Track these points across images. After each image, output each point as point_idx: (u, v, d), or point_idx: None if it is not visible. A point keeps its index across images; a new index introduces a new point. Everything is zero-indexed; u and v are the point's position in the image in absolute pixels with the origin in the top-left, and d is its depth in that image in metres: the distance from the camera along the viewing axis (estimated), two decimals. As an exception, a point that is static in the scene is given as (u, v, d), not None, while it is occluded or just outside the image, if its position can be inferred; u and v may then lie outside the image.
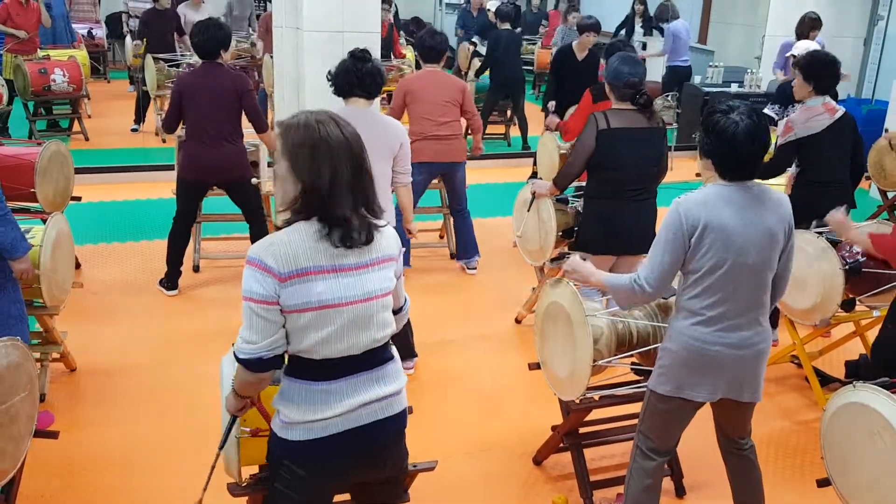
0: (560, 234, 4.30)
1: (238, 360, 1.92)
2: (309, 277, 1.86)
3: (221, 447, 2.22)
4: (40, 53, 8.27)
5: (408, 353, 4.06)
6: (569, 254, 4.11)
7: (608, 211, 3.76)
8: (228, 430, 2.19)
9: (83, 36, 10.53)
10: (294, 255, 1.86)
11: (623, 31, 11.34)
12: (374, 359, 2.01)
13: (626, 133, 3.65)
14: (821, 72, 4.18)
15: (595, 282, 2.72)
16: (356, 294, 1.93)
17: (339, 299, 1.90)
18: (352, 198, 1.90)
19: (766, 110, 5.97)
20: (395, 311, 2.14)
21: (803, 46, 5.54)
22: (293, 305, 1.87)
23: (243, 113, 4.72)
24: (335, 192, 1.87)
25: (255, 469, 2.38)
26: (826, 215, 3.90)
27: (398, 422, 2.08)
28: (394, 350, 2.12)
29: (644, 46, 10.93)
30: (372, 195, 1.96)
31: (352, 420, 1.97)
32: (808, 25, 6.82)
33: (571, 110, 6.38)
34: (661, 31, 10.64)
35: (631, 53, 3.85)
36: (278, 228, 1.99)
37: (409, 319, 4.01)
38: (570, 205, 4.43)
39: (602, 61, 5.19)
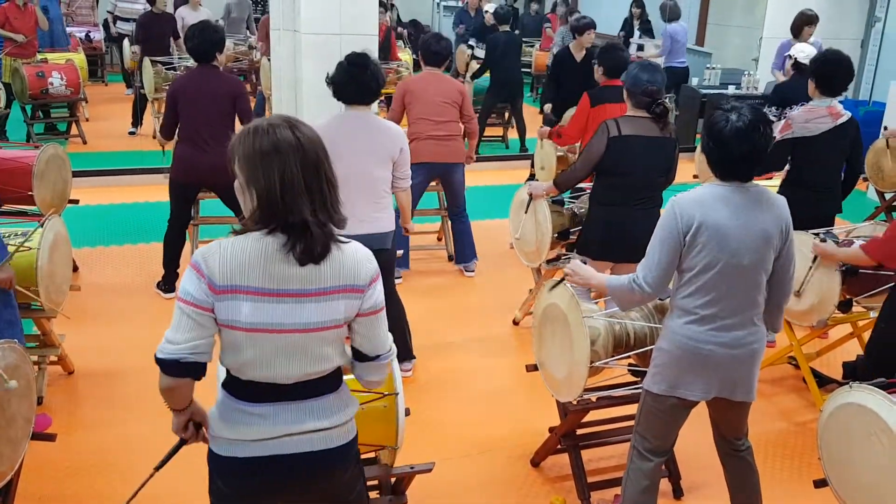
0: (556, 235, 4.31)
1: (156, 360, 1.81)
2: (238, 296, 1.75)
3: (157, 468, 2.09)
4: (38, 57, 8.27)
5: (406, 355, 4.06)
6: (566, 256, 4.11)
7: (614, 217, 3.74)
8: (172, 452, 2.06)
9: (81, 39, 10.53)
10: (231, 269, 1.75)
11: (622, 34, 11.37)
12: (306, 391, 1.87)
13: (638, 140, 3.63)
14: (828, 73, 4.11)
15: (596, 284, 2.73)
16: (289, 323, 1.78)
17: (268, 325, 1.77)
18: (308, 201, 1.75)
19: (763, 111, 5.95)
20: (368, 357, 1.94)
21: (800, 48, 5.53)
22: (223, 320, 1.78)
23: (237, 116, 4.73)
24: (288, 197, 1.73)
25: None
26: (811, 219, 3.91)
27: (333, 455, 1.92)
28: (341, 382, 1.96)
29: (641, 48, 10.94)
30: (332, 200, 1.79)
31: (273, 447, 1.86)
32: (803, 21, 6.78)
33: (569, 113, 6.41)
34: (651, 34, 10.67)
35: (651, 62, 3.82)
36: None
37: (407, 321, 4.03)
38: (565, 206, 4.44)
39: (594, 62, 5.18)
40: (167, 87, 8.20)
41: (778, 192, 4.15)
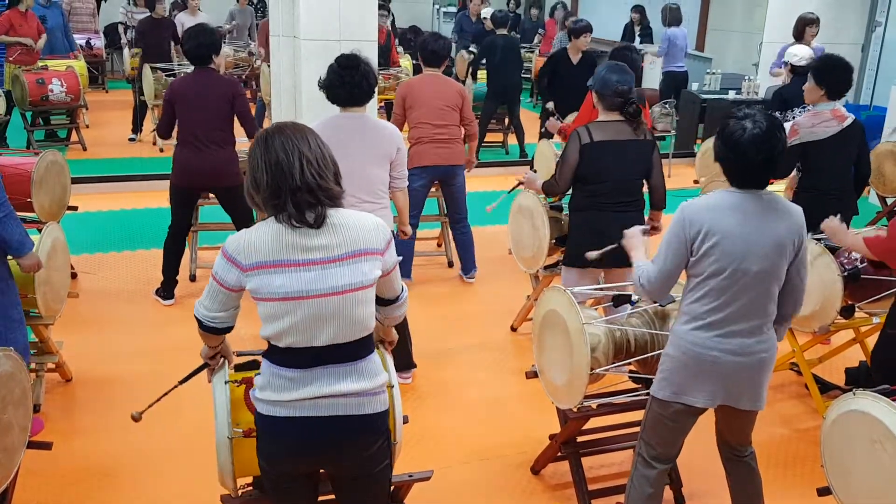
0: (554, 241, 4.29)
1: (195, 315, 2.14)
2: (268, 270, 1.97)
3: (181, 382, 2.46)
4: (39, 63, 8.28)
5: (406, 364, 4.04)
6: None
7: (594, 224, 3.69)
8: (197, 371, 2.42)
9: (81, 46, 10.54)
10: (257, 248, 1.97)
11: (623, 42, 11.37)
12: (341, 353, 2.04)
13: (611, 145, 3.61)
14: (832, 76, 4.11)
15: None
16: (319, 288, 1.97)
17: (300, 292, 1.96)
18: (300, 168, 1.96)
19: None
20: (390, 301, 2.25)
21: (794, 51, 5.52)
22: (258, 294, 1.99)
23: (235, 119, 4.72)
24: (285, 169, 1.96)
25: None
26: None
27: (363, 422, 2.08)
28: (372, 351, 2.14)
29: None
30: (325, 172, 2.00)
31: (307, 408, 2.04)
32: (804, 23, 6.77)
33: (571, 117, 6.40)
34: (651, 40, 10.68)
35: (619, 63, 3.80)
36: None
37: (409, 331, 4.00)
38: (564, 212, 4.42)
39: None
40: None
41: (793, 200, 4.18)
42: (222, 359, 2.37)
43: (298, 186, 1.95)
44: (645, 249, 2.77)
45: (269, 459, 2.11)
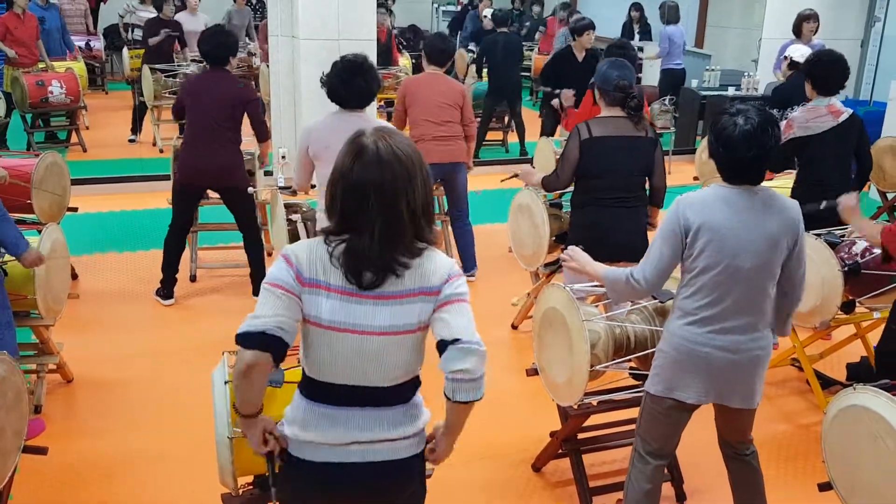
0: (554, 238, 4.29)
1: (238, 337, 1.76)
2: (320, 291, 1.79)
3: (273, 484, 2.04)
4: (39, 65, 8.28)
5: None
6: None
7: (592, 219, 3.71)
8: (271, 472, 2.02)
9: (80, 48, 10.54)
10: (317, 265, 1.80)
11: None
12: (380, 398, 1.88)
13: (611, 141, 3.61)
14: (822, 73, 4.13)
15: (591, 271, 2.71)
16: (366, 324, 1.80)
17: (345, 325, 1.80)
18: (372, 229, 1.76)
19: None
20: (444, 346, 1.84)
21: (795, 48, 5.52)
22: (307, 314, 1.81)
23: (244, 121, 4.74)
24: (353, 220, 1.78)
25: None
26: (827, 218, 3.89)
27: (398, 467, 1.92)
28: (415, 394, 1.97)
29: (640, 50, 10.94)
30: (408, 232, 1.79)
31: (341, 454, 1.87)
32: (801, 18, 6.82)
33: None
34: (650, 37, 10.68)
35: (620, 59, 3.80)
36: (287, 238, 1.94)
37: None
38: (564, 210, 4.42)
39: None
40: (167, 94, 8.28)
41: (791, 194, 4.18)
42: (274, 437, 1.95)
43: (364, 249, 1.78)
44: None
45: (294, 499, 1.98)
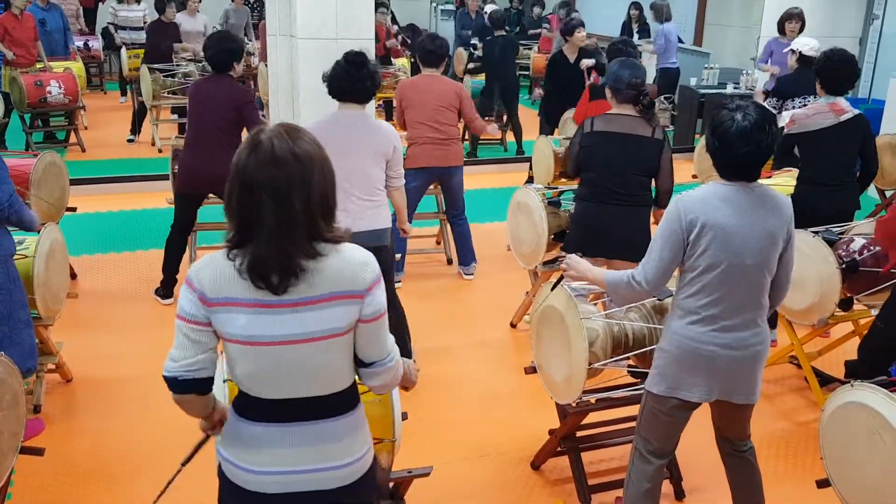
0: (552, 237, 4.29)
1: (163, 376, 1.78)
2: (231, 308, 1.71)
3: (183, 464, 2.09)
4: (37, 66, 8.29)
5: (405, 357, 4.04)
6: (562, 257, 4.09)
7: (589, 213, 3.75)
8: (197, 448, 2.06)
9: (79, 48, 10.53)
10: (223, 282, 1.71)
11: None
12: (315, 411, 1.79)
13: (612, 137, 3.63)
14: (832, 72, 4.11)
15: (592, 278, 2.69)
16: (288, 334, 1.71)
17: (262, 338, 1.71)
18: (272, 232, 1.67)
19: (764, 104, 5.96)
20: (366, 364, 1.83)
21: (804, 41, 5.51)
22: (223, 333, 1.74)
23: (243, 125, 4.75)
24: (255, 229, 1.68)
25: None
26: (823, 215, 3.89)
27: (347, 492, 1.83)
28: (356, 405, 1.87)
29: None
30: (313, 230, 1.70)
31: (276, 484, 1.78)
32: (783, 17, 6.92)
33: (568, 114, 6.41)
34: (648, 36, 10.70)
35: (630, 58, 3.83)
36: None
37: (407, 326, 4.01)
38: (562, 208, 4.43)
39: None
40: (165, 94, 8.29)
41: (794, 191, 4.18)
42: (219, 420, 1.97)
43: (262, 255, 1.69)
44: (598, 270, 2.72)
45: None
